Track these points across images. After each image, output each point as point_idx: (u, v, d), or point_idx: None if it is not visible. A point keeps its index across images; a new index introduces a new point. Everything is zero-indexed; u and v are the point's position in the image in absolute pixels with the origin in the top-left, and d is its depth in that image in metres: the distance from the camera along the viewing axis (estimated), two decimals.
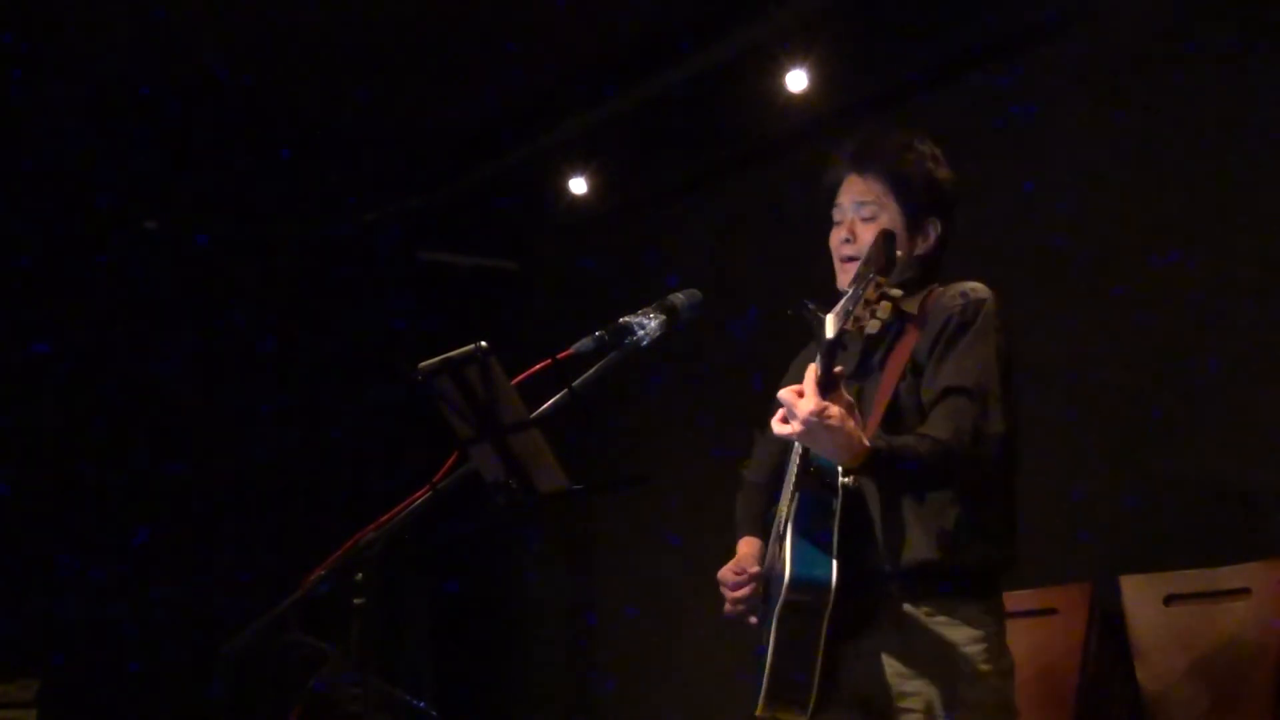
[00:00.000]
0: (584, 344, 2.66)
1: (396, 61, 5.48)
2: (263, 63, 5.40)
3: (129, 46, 5.22)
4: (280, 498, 6.19)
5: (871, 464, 2.57)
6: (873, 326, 2.48)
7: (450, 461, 2.57)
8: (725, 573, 2.96)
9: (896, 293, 2.47)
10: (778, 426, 2.59)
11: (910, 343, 2.73)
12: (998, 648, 2.76)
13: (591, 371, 2.65)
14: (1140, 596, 4.24)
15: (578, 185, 5.96)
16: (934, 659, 2.70)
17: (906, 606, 2.72)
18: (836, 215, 2.94)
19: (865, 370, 2.83)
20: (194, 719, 5.75)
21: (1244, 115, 4.29)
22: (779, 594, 2.69)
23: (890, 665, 2.71)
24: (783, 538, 2.74)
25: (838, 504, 2.68)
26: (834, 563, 2.64)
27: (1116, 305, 4.55)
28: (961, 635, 2.71)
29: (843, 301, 2.52)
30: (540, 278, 6.72)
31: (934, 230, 2.91)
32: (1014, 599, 4.48)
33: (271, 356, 6.35)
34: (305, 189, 6.20)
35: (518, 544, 6.55)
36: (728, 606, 2.94)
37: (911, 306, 2.82)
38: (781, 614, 2.68)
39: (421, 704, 2.65)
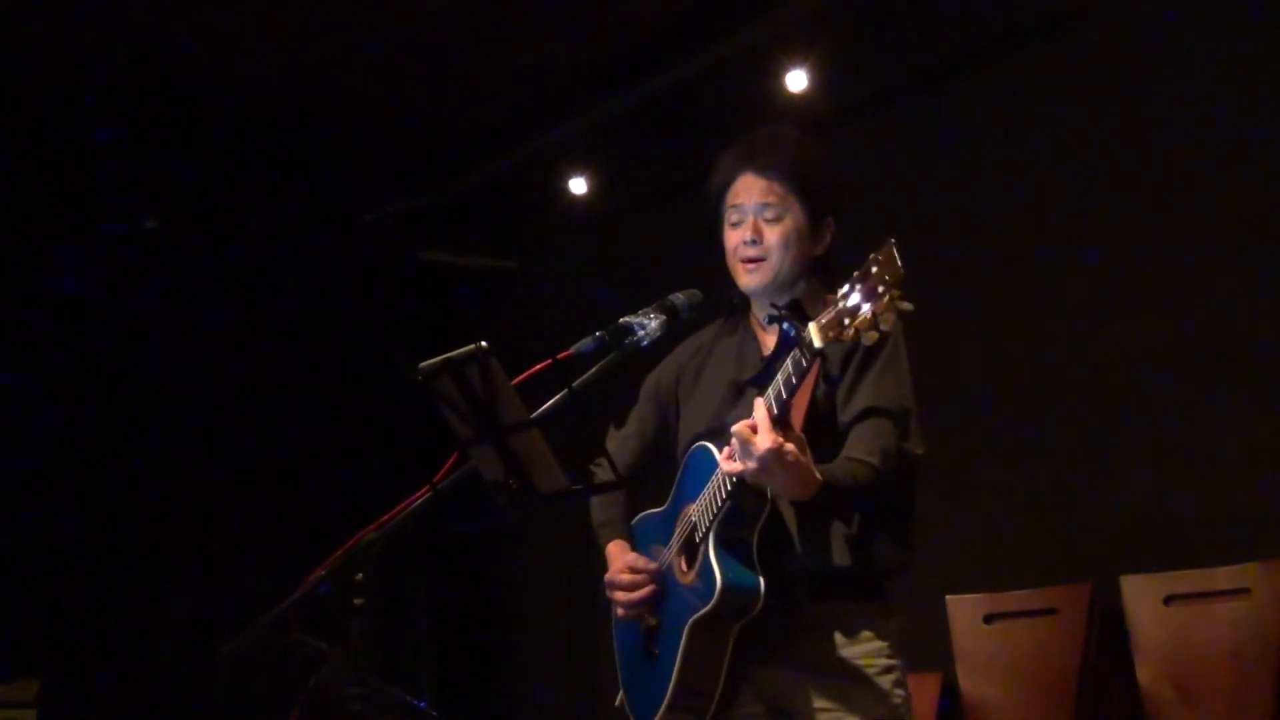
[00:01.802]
0: (584, 344, 2.64)
1: (397, 62, 5.48)
2: (263, 64, 5.40)
3: (130, 46, 5.22)
4: (280, 498, 6.20)
5: (820, 497, 2.55)
6: (869, 339, 2.39)
7: (450, 461, 2.56)
8: (617, 575, 2.91)
9: (908, 306, 2.38)
10: (726, 465, 2.57)
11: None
12: (898, 647, 2.76)
13: (591, 371, 2.64)
14: (1140, 596, 4.24)
15: (578, 185, 5.96)
16: (839, 661, 2.70)
17: (811, 611, 2.71)
18: (734, 216, 2.85)
19: (768, 378, 2.73)
20: (194, 719, 5.77)
21: (1218, 126, 4.30)
22: (694, 606, 2.68)
23: (795, 670, 2.71)
24: (699, 547, 2.72)
25: (764, 513, 2.66)
26: (758, 570, 2.65)
27: (1114, 305, 4.56)
28: (866, 636, 2.72)
29: (832, 312, 2.41)
30: (540, 278, 6.72)
31: (829, 231, 2.87)
32: (1014, 599, 4.53)
33: (272, 356, 6.36)
34: (306, 189, 6.20)
35: (518, 543, 6.55)
36: (622, 611, 2.91)
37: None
38: (696, 626, 2.68)
39: (422, 704, 2.65)
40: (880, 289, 2.34)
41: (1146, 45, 4.53)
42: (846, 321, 2.38)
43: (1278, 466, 4.14)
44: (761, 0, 4.97)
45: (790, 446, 2.46)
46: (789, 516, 2.70)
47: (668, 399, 3.03)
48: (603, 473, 3.01)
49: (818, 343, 2.44)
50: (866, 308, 2.35)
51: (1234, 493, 4.22)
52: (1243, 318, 4.26)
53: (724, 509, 2.68)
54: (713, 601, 2.64)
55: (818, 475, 2.54)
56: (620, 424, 3.12)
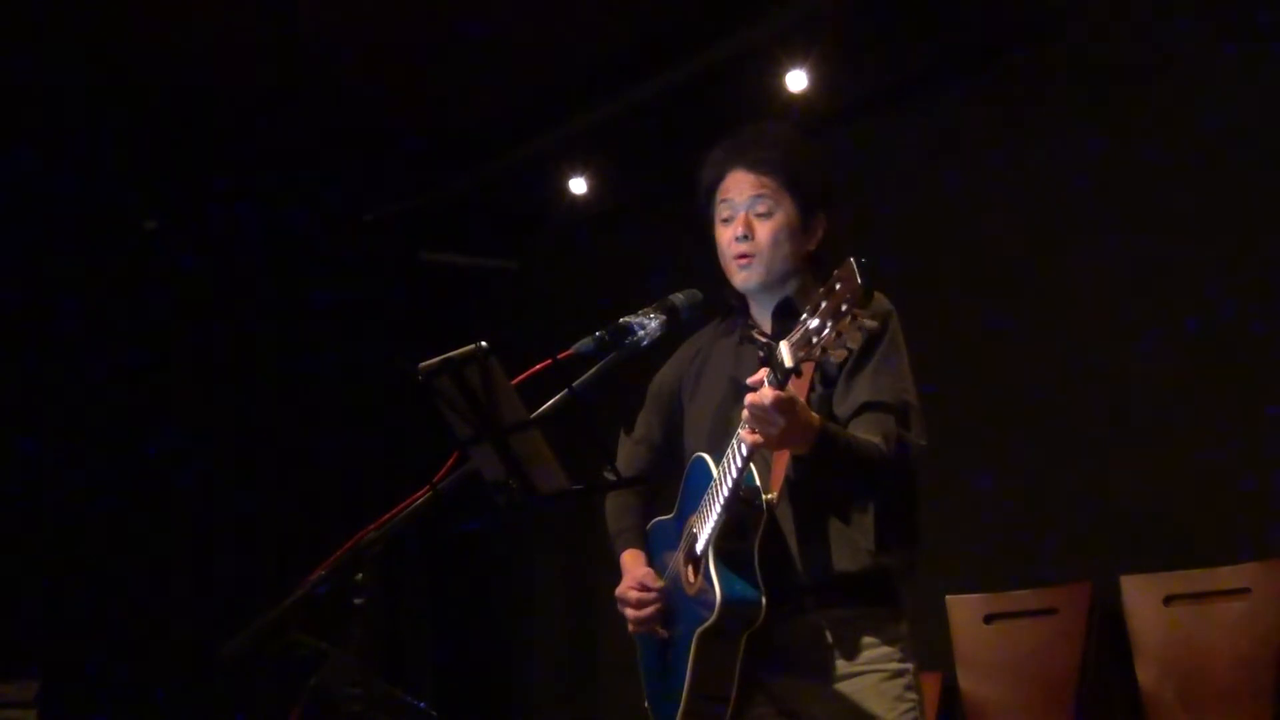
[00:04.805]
0: (584, 344, 2.64)
1: (397, 62, 5.48)
2: (263, 63, 5.40)
3: (131, 46, 5.22)
4: (280, 497, 6.19)
5: (819, 444, 2.54)
6: (837, 356, 2.40)
7: (450, 461, 2.56)
8: (627, 591, 2.93)
9: (872, 324, 2.39)
10: (749, 437, 2.56)
11: None
12: (910, 650, 2.77)
13: (591, 371, 2.65)
14: (1140, 596, 4.24)
15: (578, 185, 5.96)
16: (847, 667, 2.71)
17: (818, 617, 2.72)
18: (725, 212, 2.84)
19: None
20: (194, 719, 5.76)
21: (1230, 122, 4.30)
22: (700, 616, 2.70)
23: (804, 677, 2.72)
24: (700, 559, 2.74)
25: (761, 524, 2.67)
26: (760, 581, 2.66)
27: (1114, 304, 4.56)
28: (875, 640, 2.73)
29: (802, 331, 2.40)
30: (540, 278, 6.72)
31: (821, 227, 2.86)
32: (1014, 599, 4.54)
33: (271, 356, 6.35)
34: (306, 189, 6.20)
35: (518, 543, 6.55)
36: (632, 626, 2.93)
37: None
38: (704, 637, 2.69)
39: (421, 704, 2.65)
40: (843, 307, 2.32)
41: (1145, 46, 4.53)
42: (814, 340, 2.37)
43: (1278, 466, 4.14)
44: (761, 0, 4.97)
45: (786, 395, 2.46)
46: (789, 530, 2.72)
47: (671, 402, 3.04)
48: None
49: (789, 362, 2.44)
50: (829, 327, 2.34)
51: (1234, 493, 4.22)
52: (1242, 317, 4.26)
53: (719, 521, 2.69)
54: (714, 614, 2.67)
55: (814, 418, 2.53)
56: (630, 430, 3.13)
